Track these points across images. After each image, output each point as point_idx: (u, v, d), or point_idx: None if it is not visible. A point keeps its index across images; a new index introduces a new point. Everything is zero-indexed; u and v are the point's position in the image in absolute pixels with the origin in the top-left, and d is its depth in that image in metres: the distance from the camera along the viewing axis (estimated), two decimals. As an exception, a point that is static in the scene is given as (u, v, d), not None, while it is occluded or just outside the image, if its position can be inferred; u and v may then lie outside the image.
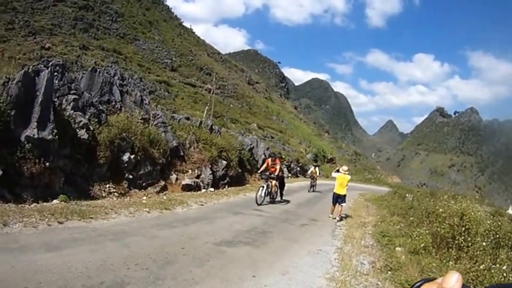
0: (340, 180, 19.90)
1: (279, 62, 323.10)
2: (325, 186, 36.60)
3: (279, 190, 24.21)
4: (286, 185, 27.03)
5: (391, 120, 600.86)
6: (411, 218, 18.90)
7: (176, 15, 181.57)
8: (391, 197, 32.47)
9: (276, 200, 23.63)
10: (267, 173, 23.01)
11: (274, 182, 22.75)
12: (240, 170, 32.08)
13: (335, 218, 19.42)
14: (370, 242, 14.88)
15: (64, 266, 7.87)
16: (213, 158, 27.20)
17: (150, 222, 12.67)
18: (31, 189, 13.97)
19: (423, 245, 13.37)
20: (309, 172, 39.21)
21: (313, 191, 35.56)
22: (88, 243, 9.80)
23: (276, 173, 23.11)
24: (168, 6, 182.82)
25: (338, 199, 19.70)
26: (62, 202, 13.85)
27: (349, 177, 20.32)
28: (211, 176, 25.63)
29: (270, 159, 23.96)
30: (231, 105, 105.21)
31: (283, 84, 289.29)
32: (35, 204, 12.99)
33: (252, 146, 40.35)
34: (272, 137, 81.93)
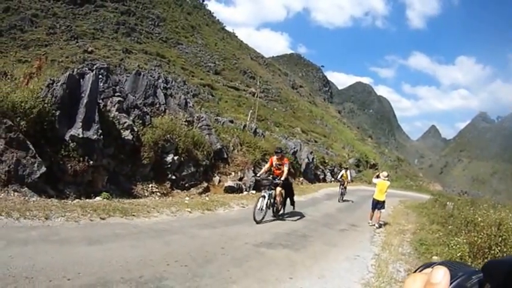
0: (380, 186, 19.28)
1: (322, 66, 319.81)
2: (364, 192, 36.05)
3: (282, 200, 17.66)
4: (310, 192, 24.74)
5: (434, 125, 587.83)
6: (450, 227, 18.59)
7: (218, 20, 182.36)
8: (432, 204, 31.61)
9: (281, 213, 17.47)
10: (270, 177, 16.97)
11: (279, 189, 16.69)
12: (283, 174, 31.52)
13: (374, 225, 19.07)
14: (407, 249, 14.69)
15: (104, 259, 8.17)
16: (256, 161, 27.30)
17: (191, 222, 12.90)
18: (74, 186, 14.55)
19: (460, 254, 13.21)
20: (339, 176, 31.56)
21: (343, 200, 29.55)
22: (129, 239, 10.14)
23: (282, 177, 16.69)
24: (210, 11, 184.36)
25: (377, 205, 19.12)
26: (105, 199, 14.36)
27: (388, 183, 19.55)
28: (253, 178, 25.64)
29: (275, 157, 17.31)
30: (275, 109, 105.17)
31: (327, 88, 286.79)
32: (77, 200, 13.49)
33: (295, 149, 40.37)
34: (316, 141, 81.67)
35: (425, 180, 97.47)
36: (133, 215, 12.66)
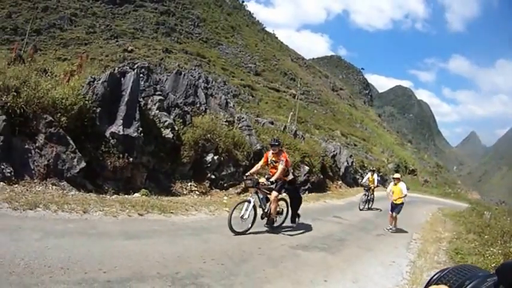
0: (393, 189, 18.84)
1: (362, 69, 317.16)
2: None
3: (286, 209, 14.42)
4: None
5: (474, 131, 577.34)
6: (486, 237, 18.28)
7: (258, 21, 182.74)
8: (469, 213, 31.03)
9: (277, 224, 13.84)
10: (255, 176, 13.44)
11: (274, 194, 12.92)
12: (321, 177, 31.36)
13: (391, 228, 18.51)
14: (443, 258, 14.42)
15: (141, 254, 8.33)
16: (295, 163, 27.11)
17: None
18: (113, 182, 14.87)
19: (494, 265, 13.08)
20: (364, 180, 27.19)
21: (369, 207, 25.42)
22: (166, 236, 10.31)
23: (273, 178, 12.88)
24: (250, 12, 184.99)
25: (394, 208, 18.48)
26: (143, 196, 14.63)
27: (401, 185, 18.61)
28: (292, 180, 25.64)
29: (270, 152, 13.79)
30: (315, 111, 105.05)
31: (367, 91, 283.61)
32: (116, 196, 13.81)
33: (335, 152, 40.08)
34: (355, 145, 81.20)
35: (464, 188, 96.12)
36: (172, 213, 12.82)
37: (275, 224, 13.60)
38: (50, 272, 6.46)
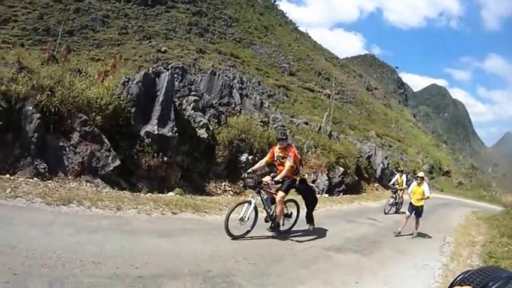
0: (414, 190, 16.83)
1: (397, 67, 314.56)
2: (436, 200, 34.93)
3: (296, 211, 12.81)
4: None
5: (510, 132, 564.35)
6: None
7: (291, 20, 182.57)
8: (503, 217, 30.52)
9: (285, 228, 12.33)
10: (256, 174, 11.94)
11: (280, 195, 11.40)
12: (356, 178, 31.12)
13: (400, 233, 16.21)
14: (476, 262, 14.14)
15: (173, 251, 8.44)
16: (330, 164, 27.07)
17: (262, 222, 12.81)
18: (147, 180, 15.19)
19: None
20: (393, 181, 24.77)
21: (397, 211, 23.21)
22: (199, 235, 10.43)
23: (277, 176, 11.46)
24: (282, 11, 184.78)
25: (415, 212, 16.52)
26: (177, 195, 14.83)
27: (424, 186, 16.58)
28: (327, 182, 25.53)
29: (277, 146, 12.22)
30: (350, 112, 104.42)
31: (402, 91, 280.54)
32: (149, 194, 14.05)
33: (370, 154, 39.67)
34: (390, 146, 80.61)
35: (498, 191, 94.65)
36: (205, 212, 12.93)
37: (282, 228, 12.09)
38: (82, 266, 6.60)
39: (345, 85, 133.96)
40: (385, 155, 45.90)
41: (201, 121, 17.95)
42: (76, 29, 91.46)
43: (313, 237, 12.59)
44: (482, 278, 1.12)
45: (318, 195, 22.22)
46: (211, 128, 18.54)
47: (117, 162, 14.02)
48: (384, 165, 41.16)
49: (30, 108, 12.98)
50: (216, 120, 19.42)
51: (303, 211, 12.84)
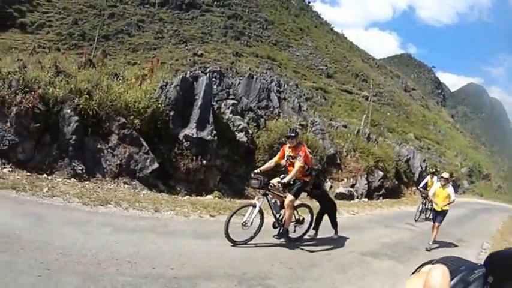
0: (437, 192, 14.79)
1: (434, 67, 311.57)
2: (477, 205, 34.00)
3: (310, 217, 11.83)
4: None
5: None
6: None
7: (326, 21, 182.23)
8: None
9: (296, 236, 11.16)
10: (260, 176, 10.65)
11: (289, 199, 10.45)
12: (396, 182, 30.61)
13: (429, 244, 14.42)
14: None
15: (210, 253, 8.53)
16: (369, 167, 26.76)
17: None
18: (185, 183, 15.40)
19: None
20: (422, 184, 22.00)
21: (427, 217, 20.46)
22: None
23: (286, 178, 10.65)
24: (317, 12, 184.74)
25: (437, 217, 14.65)
26: (216, 198, 15.02)
27: (449, 188, 14.59)
28: (366, 186, 25.26)
29: (287, 145, 11.31)
30: (388, 114, 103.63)
31: (439, 91, 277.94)
32: (188, 197, 14.32)
33: (408, 157, 39.10)
34: (429, 148, 79.62)
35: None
36: (243, 215, 12.71)
37: (293, 235, 10.96)
38: (117, 265, 6.77)
39: (383, 86, 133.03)
40: (423, 158, 45.22)
41: (240, 125, 18.08)
42: (111, 33, 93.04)
43: (350, 242, 12.45)
44: (454, 263, 1.05)
45: (356, 200, 22.12)
46: (251, 132, 18.60)
47: (156, 165, 14.30)
48: (422, 168, 40.62)
49: (68, 111, 13.37)
50: (255, 124, 19.55)
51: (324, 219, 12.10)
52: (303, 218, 11.33)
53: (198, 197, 14.57)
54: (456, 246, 16.17)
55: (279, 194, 10.72)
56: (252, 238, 9.89)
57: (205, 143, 15.87)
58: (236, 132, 17.75)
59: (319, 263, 9.66)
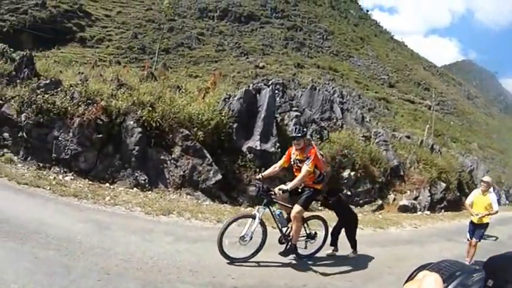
0: (475, 200, 12.06)
1: (496, 72, 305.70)
2: None
3: (324, 232, 10.07)
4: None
5: None
6: None
7: (386, 29, 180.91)
8: None
9: (306, 254, 9.56)
10: (259, 182, 9.23)
11: (296, 209, 8.85)
12: (458, 194, 29.76)
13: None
14: None
15: (271, 264, 8.58)
16: (432, 179, 26.07)
17: (362, 239, 12.45)
18: (248, 195, 15.36)
19: None
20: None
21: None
22: None
23: (290, 185, 9.03)
24: (376, 21, 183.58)
25: (475, 231, 12.06)
26: (278, 210, 14.47)
27: (491, 196, 11.88)
28: (429, 198, 24.57)
29: (294, 146, 9.59)
30: (451, 123, 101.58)
31: (502, 97, 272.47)
32: (250, 208, 14.14)
33: (472, 168, 37.80)
34: (492, 158, 77.40)
35: None
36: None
37: (304, 252, 9.41)
38: (178, 273, 7.02)
39: (445, 95, 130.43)
40: (487, 168, 43.93)
41: (304, 137, 18.03)
42: (172, 46, 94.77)
43: (412, 256, 12.20)
44: (449, 268, 1.13)
45: (419, 212, 21.63)
46: (314, 144, 18.49)
47: (219, 177, 14.53)
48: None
49: (131, 122, 13.91)
50: (318, 136, 19.37)
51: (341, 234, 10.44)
52: (315, 233, 9.76)
53: (261, 209, 14.51)
54: None
55: (284, 204, 9.30)
56: (253, 255, 8.50)
57: (269, 155, 15.87)
58: (299, 145, 17.74)
59: (379, 276, 9.61)
